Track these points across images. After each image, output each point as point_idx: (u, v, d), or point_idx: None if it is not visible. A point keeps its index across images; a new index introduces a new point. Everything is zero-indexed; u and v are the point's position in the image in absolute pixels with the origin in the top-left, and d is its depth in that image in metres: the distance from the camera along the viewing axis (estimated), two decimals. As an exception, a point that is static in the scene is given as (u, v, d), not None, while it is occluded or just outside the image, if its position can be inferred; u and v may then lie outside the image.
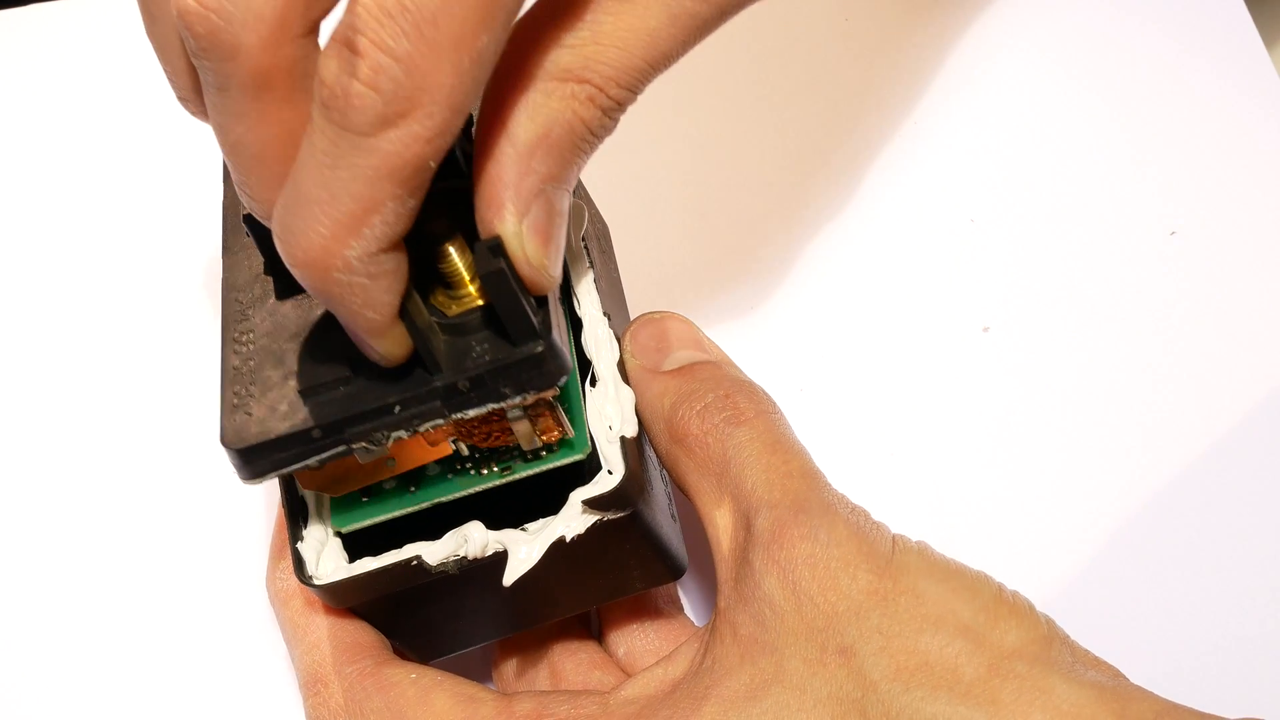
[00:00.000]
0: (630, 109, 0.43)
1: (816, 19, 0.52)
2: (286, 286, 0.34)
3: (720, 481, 0.34)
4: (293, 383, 0.32)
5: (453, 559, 0.34)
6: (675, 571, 0.37)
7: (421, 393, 0.31)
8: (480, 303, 0.32)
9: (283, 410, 0.32)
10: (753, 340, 0.47)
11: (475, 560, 0.34)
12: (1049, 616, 0.32)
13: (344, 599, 0.35)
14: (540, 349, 0.31)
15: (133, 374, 0.48)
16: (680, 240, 0.49)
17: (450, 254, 0.32)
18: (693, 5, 0.31)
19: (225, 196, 0.38)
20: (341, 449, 0.32)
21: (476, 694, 0.35)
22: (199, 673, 0.43)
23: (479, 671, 0.41)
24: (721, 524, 0.34)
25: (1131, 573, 0.43)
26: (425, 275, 0.32)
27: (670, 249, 0.49)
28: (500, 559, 0.34)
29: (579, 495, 0.34)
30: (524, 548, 0.34)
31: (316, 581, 0.34)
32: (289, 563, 0.36)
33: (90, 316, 0.49)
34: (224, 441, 0.32)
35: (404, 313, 0.30)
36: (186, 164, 0.50)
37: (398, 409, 0.31)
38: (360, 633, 0.36)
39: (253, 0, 0.28)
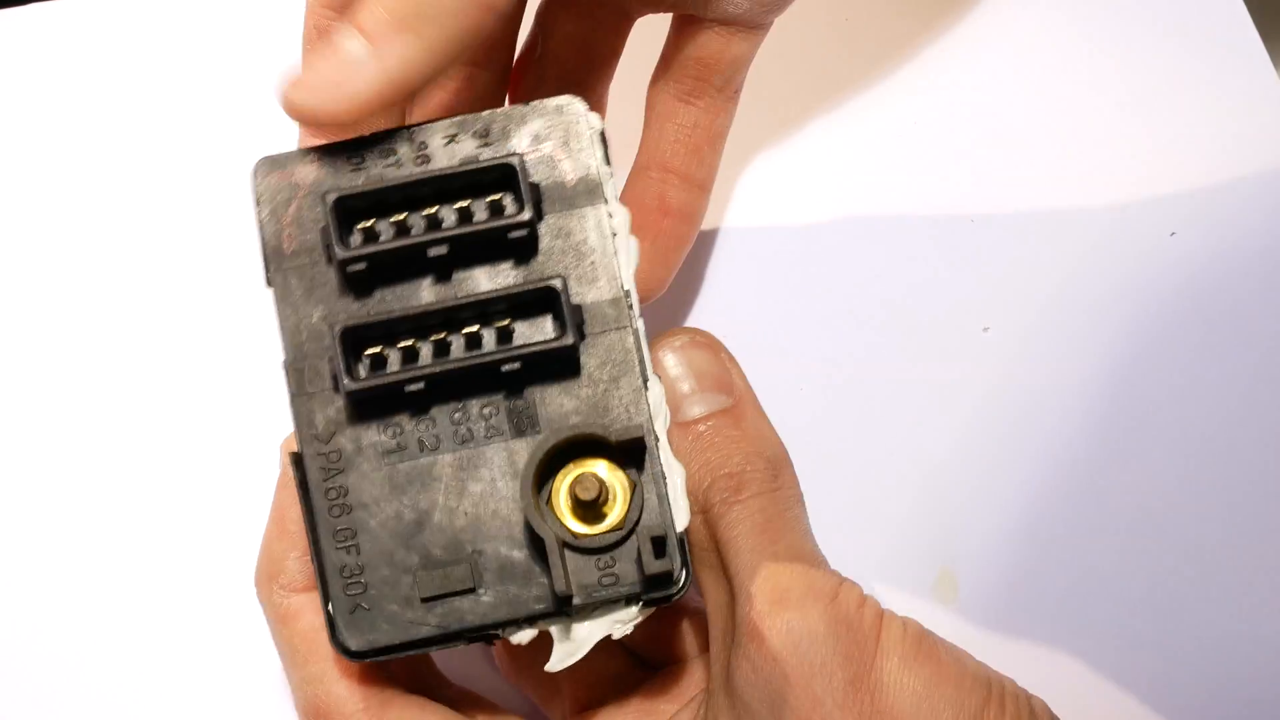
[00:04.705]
0: (633, 109, 0.43)
1: (817, 19, 0.52)
2: (364, 413, 0.33)
3: (715, 560, 0.34)
4: (409, 579, 0.32)
5: (495, 634, 0.33)
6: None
7: (549, 609, 0.32)
8: (616, 535, 0.32)
9: (405, 612, 0.32)
10: (753, 340, 0.47)
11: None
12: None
13: (376, 663, 0.34)
14: (674, 591, 0.32)
15: (136, 369, 0.48)
16: (681, 240, 0.49)
17: (595, 496, 0.32)
18: None
19: (285, 332, 0.34)
20: (458, 643, 0.32)
21: None
22: (205, 661, 0.43)
23: (480, 667, 0.41)
24: (713, 603, 0.34)
25: (1133, 571, 0.43)
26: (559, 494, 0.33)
27: (671, 249, 0.49)
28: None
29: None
30: (570, 645, 0.33)
31: (355, 648, 0.32)
32: (290, 578, 0.35)
33: (93, 314, 0.49)
34: (344, 645, 0.32)
35: (542, 531, 0.31)
36: (188, 165, 0.50)
37: (523, 621, 0.32)
38: (365, 665, 0.35)
39: None
